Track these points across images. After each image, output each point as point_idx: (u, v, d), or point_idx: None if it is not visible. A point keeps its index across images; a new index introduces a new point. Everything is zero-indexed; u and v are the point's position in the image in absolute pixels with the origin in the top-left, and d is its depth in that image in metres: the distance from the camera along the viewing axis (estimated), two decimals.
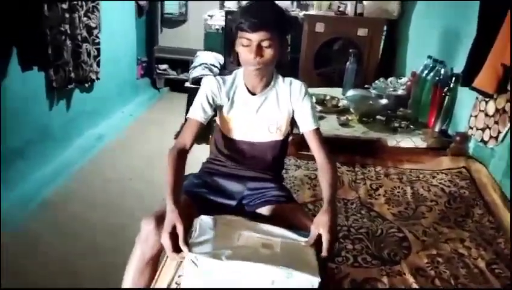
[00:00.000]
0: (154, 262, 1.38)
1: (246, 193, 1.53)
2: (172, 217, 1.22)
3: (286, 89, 1.48)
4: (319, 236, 1.23)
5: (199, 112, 1.45)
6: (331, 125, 2.52)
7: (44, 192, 2.70)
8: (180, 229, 1.19)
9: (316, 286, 1.12)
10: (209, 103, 1.46)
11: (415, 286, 1.36)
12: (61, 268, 2.06)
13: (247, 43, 1.34)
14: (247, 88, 1.48)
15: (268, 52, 1.34)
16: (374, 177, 2.15)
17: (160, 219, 1.28)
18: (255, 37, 1.31)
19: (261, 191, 1.52)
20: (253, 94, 1.47)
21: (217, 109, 1.50)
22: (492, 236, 1.69)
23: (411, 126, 2.57)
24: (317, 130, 1.48)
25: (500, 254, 1.57)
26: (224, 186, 1.54)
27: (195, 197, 1.46)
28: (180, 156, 1.40)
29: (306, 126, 1.48)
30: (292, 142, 2.44)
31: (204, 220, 1.28)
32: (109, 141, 3.59)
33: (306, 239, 1.25)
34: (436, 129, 2.54)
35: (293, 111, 1.49)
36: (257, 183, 1.55)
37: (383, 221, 1.78)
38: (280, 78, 1.50)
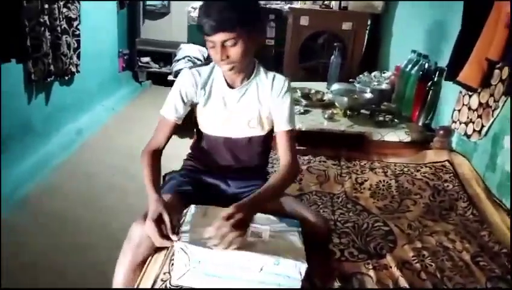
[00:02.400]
0: (145, 260, 1.35)
1: (231, 192, 1.50)
2: (156, 205, 1.21)
3: (268, 83, 1.40)
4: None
5: (171, 112, 1.40)
6: (316, 120, 2.52)
7: (25, 187, 2.63)
8: (166, 217, 1.19)
9: (303, 271, 1.15)
10: (182, 100, 1.39)
11: (401, 279, 1.36)
12: (43, 264, 2.00)
13: (211, 44, 1.27)
14: (226, 81, 1.41)
15: (235, 51, 1.26)
16: (359, 171, 2.16)
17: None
18: (216, 38, 1.23)
19: (245, 193, 1.44)
20: (232, 87, 1.40)
21: (192, 105, 1.43)
22: (476, 229, 1.71)
23: (395, 120, 2.58)
24: (290, 132, 1.41)
25: (485, 247, 1.58)
26: (208, 184, 1.51)
27: (182, 195, 1.43)
28: (154, 156, 1.39)
29: (279, 126, 1.41)
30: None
31: (194, 210, 1.31)
32: (90, 135, 3.52)
33: (296, 228, 1.29)
34: (420, 123, 2.56)
35: (271, 107, 1.42)
36: (241, 183, 1.51)
37: (368, 215, 1.77)
38: (262, 71, 1.43)
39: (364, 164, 2.22)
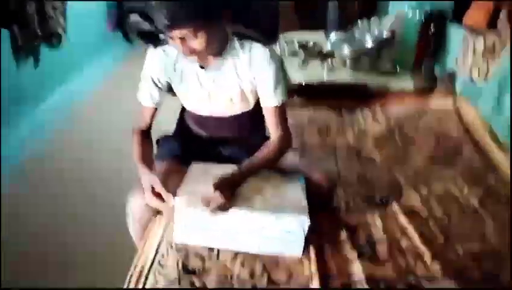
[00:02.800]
0: None
1: (228, 154, 1.44)
2: (147, 178, 1.18)
3: (245, 57, 1.24)
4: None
5: (147, 99, 1.32)
6: (315, 72, 2.44)
7: (21, 156, 2.58)
8: (158, 184, 1.16)
9: (305, 227, 1.13)
10: (155, 85, 1.30)
11: (409, 227, 1.34)
12: (43, 232, 1.99)
13: (170, 37, 1.13)
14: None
15: (197, 43, 1.11)
16: (362, 121, 2.11)
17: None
18: (174, 34, 1.10)
19: (244, 156, 1.34)
20: (203, 67, 1.27)
21: (168, 84, 1.33)
22: (483, 173, 1.68)
23: (397, 68, 2.50)
24: (279, 108, 1.27)
25: (492, 191, 1.56)
26: (204, 146, 1.44)
27: (177, 158, 1.39)
28: (143, 134, 1.35)
29: (264, 101, 1.28)
30: None
31: (194, 167, 1.30)
32: (83, 98, 3.43)
33: (300, 183, 1.26)
34: (423, 70, 2.49)
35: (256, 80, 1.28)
36: (238, 148, 1.43)
37: (372, 164, 1.74)
38: (237, 44, 1.25)
39: (367, 114, 2.18)
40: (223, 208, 1.13)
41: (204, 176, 1.24)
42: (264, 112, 1.30)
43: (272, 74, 1.24)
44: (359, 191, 1.55)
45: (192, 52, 1.14)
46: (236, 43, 1.26)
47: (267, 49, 1.24)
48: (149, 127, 1.38)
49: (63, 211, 2.14)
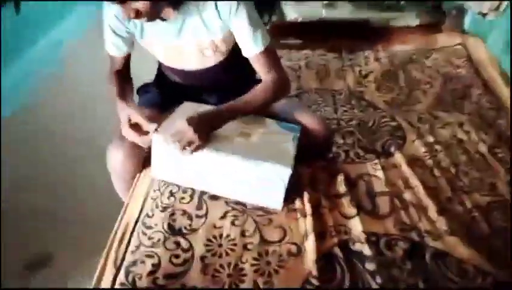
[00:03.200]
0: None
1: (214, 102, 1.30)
2: (125, 112, 1.09)
3: (210, 5, 1.08)
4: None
5: (114, 49, 1.20)
6: (313, 8, 2.25)
7: (6, 109, 2.46)
8: (135, 115, 1.07)
9: (285, 177, 1.05)
10: (118, 36, 1.17)
11: (413, 178, 1.25)
12: (33, 184, 1.92)
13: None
14: None
15: (140, 5, 0.96)
16: (363, 62, 1.97)
17: (124, 142, 1.15)
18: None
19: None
20: (164, 19, 1.11)
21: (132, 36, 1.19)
22: (493, 117, 1.56)
23: (402, 2, 2.30)
24: (263, 53, 1.11)
25: (502, 136, 1.45)
26: (187, 94, 1.31)
27: (158, 107, 1.28)
28: (119, 72, 1.23)
29: (246, 51, 1.12)
30: (271, 31, 2.20)
31: (184, 106, 1.21)
32: (69, 45, 3.24)
33: (293, 132, 1.16)
34: (430, 4, 2.29)
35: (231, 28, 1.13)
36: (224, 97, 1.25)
37: (374, 110, 1.63)
38: None
39: (369, 54, 2.03)
40: (194, 146, 1.04)
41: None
42: (251, 62, 1.14)
43: (244, 19, 1.07)
44: (359, 139, 1.44)
45: (137, 14, 0.97)
46: None
47: None
48: (126, 69, 1.27)
49: (50, 158, 2.06)
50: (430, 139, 1.45)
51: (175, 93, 1.30)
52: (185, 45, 1.15)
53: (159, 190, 1.17)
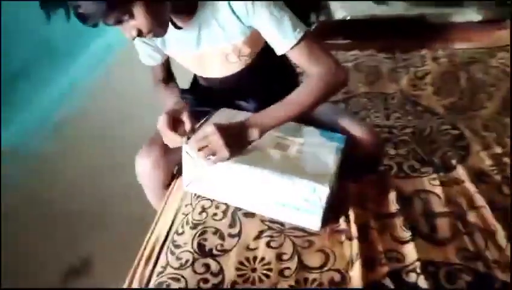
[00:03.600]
0: (168, 182, 1.21)
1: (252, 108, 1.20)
2: (175, 105, 1.05)
3: (225, 9, 0.96)
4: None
5: (147, 59, 1.16)
6: (364, 4, 2.10)
7: (55, 114, 2.50)
8: (183, 116, 1.01)
9: (323, 196, 0.93)
10: (148, 45, 1.11)
11: (477, 196, 1.08)
12: (79, 191, 1.92)
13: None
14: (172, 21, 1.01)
15: (139, 23, 0.85)
16: (419, 63, 1.81)
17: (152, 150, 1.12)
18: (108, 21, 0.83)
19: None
20: (180, 27, 1.02)
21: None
22: None
23: None
24: (299, 46, 0.95)
25: None
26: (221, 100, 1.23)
27: (196, 113, 1.19)
28: (164, 81, 1.20)
29: (278, 49, 0.97)
30: (317, 31, 2.08)
31: (220, 113, 1.13)
32: (120, 50, 3.28)
33: (338, 143, 1.04)
34: None
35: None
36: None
37: (432, 116, 1.47)
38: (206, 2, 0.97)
39: (425, 54, 1.88)
40: (220, 157, 0.94)
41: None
42: (291, 60, 1.01)
43: (266, 15, 0.93)
44: (415, 150, 1.29)
45: (139, 33, 0.87)
46: None
47: None
48: (168, 74, 1.22)
49: (97, 165, 2.06)
50: (498, 150, 1.27)
51: (211, 100, 1.21)
52: (206, 53, 1.06)
53: (190, 204, 1.09)
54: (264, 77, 1.14)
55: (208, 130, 0.92)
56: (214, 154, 0.93)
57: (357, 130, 1.08)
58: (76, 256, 1.58)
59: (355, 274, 0.90)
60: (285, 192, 0.96)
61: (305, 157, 0.99)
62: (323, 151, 1.01)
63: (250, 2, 0.92)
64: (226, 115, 1.11)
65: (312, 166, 0.97)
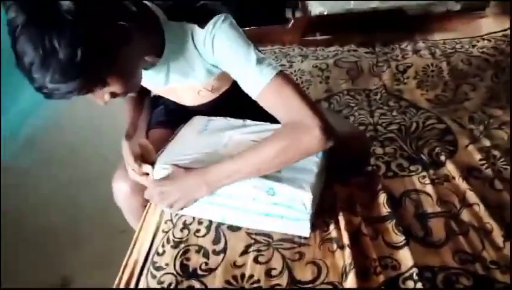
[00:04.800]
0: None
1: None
2: (124, 152, 0.98)
3: (189, 46, 0.87)
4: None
5: None
6: None
7: (27, 123, 2.40)
8: (128, 156, 0.96)
9: (307, 202, 0.87)
10: None
11: (470, 193, 1.04)
12: (56, 200, 1.83)
13: None
14: None
15: (114, 89, 0.77)
16: (400, 56, 1.77)
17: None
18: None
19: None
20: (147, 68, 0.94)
21: None
22: None
23: None
24: (269, 87, 0.81)
25: None
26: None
27: (165, 123, 1.17)
28: (134, 98, 1.14)
29: (249, 91, 0.84)
30: (294, 28, 2.03)
31: (191, 123, 1.08)
32: None
33: None
34: None
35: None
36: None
37: (417, 111, 1.43)
38: (174, 36, 0.87)
39: (406, 46, 1.84)
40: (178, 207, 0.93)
41: (197, 136, 1.03)
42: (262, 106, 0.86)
43: (226, 52, 0.83)
44: (402, 148, 1.24)
45: (114, 96, 0.80)
46: (173, 35, 0.87)
47: (211, 34, 0.82)
48: (141, 92, 1.13)
49: (73, 177, 1.97)
50: (487, 143, 1.23)
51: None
52: (175, 89, 1.01)
53: (171, 220, 1.02)
54: (241, 100, 0.99)
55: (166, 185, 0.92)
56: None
57: (341, 130, 1.03)
58: (55, 274, 1.51)
59: (350, 286, 0.84)
60: (267, 201, 0.90)
61: None
62: None
63: (207, 33, 0.83)
64: (198, 124, 1.06)
65: (292, 171, 0.90)
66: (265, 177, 0.88)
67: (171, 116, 1.17)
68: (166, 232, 1.00)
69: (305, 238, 0.94)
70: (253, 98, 0.84)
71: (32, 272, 1.51)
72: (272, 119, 0.89)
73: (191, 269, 0.91)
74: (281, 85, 0.81)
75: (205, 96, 1.04)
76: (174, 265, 0.92)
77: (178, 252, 0.94)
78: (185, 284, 0.88)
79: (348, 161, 1.05)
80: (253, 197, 0.90)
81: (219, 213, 0.97)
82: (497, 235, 0.93)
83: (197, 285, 0.87)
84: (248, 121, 1.06)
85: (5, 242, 1.60)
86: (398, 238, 0.94)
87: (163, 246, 0.97)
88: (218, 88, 1.02)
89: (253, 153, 0.85)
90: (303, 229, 0.93)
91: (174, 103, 1.13)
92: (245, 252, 0.93)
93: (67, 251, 1.57)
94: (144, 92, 1.14)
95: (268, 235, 0.96)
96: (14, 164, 2.07)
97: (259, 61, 0.82)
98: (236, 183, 0.89)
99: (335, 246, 0.93)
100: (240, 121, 1.07)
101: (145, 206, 1.10)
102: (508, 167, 1.13)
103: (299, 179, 0.88)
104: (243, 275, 0.89)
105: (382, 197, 1.05)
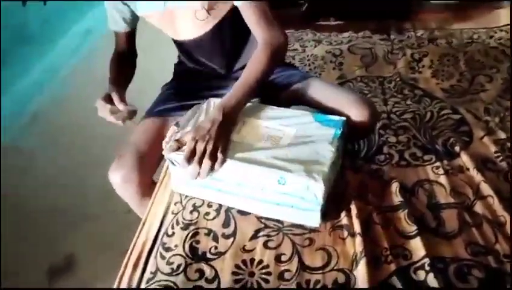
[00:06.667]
0: (147, 188, 1.11)
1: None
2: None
3: None
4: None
5: (112, 23, 1.19)
6: None
7: (32, 102, 2.39)
8: (114, 95, 1.05)
9: (318, 193, 0.85)
10: (116, 8, 1.14)
11: (484, 185, 1.02)
12: (60, 182, 1.83)
13: None
14: None
15: None
16: (416, 44, 1.73)
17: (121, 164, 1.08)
18: None
19: None
20: None
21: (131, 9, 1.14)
22: None
23: None
24: (256, 4, 1.00)
25: None
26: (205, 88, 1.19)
27: (163, 114, 1.20)
28: (119, 56, 1.23)
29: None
30: (307, 11, 1.99)
31: (204, 106, 1.04)
32: (99, 35, 3.14)
33: (334, 129, 0.95)
34: None
35: None
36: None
37: (431, 101, 1.39)
38: None
39: (422, 35, 1.79)
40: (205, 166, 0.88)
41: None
42: (242, 14, 1.02)
43: None
44: (416, 137, 1.22)
45: None
46: None
47: None
48: (129, 51, 1.25)
49: (77, 158, 1.96)
50: (502, 135, 1.21)
51: (191, 92, 1.19)
52: (175, 12, 1.06)
53: (180, 202, 1.02)
54: (235, 37, 1.14)
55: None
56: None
57: (355, 110, 1.01)
58: (59, 254, 1.52)
59: (361, 274, 0.83)
60: (279, 190, 0.88)
61: (298, 150, 0.89)
62: (317, 141, 0.92)
63: None
64: (207, 108, 1.03)
65: (305, 160, 0.87)
66: (277, 166, 0.86)
67: (180, 99, 1.18)
68: (176, 214, 1.00)
69: None
70: (239, 6, 1.00)
71: (35, 253, 1.51)
72: None
73: (200, 252, 0.90)
74: (266, 6, 1.01)
75: (203, 23, 1.07)
76: (184, 247, 0.91)
77: (188, 234, 0.94)
78: (194, 266, 0.87)
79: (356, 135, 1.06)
80: (263, 186, 0.88)
81: (228, 200, 0.96)
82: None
83: (207, 269, 0.87)
84: (262, 106, 1.04)
85: (9, 222, 1.60)
86: (410, 227, 0.93)
87: (172, 227, 0.96)
88: (218, 11, 1.06)
89: (250, 76, 0.97)
90: (313, 219, 0.91)
91: (190, 77, 1.20)
92: (255, 236, 0.93)
93: (72, 231, 1.57)
94: (129, 53, 1.24)
95: (278, 220, 0.95)
96: (19, 144, 2.07)
97: None
98: (247, 171, 0.87)
99: (346, 233, 0.92)
100: (256, 106, 1.04)
101: (140, 193, 1.09)
102: None
103: (312, 169, 0.86)
104: (252, 260, 0.88)
105: (394, 186, 1.03)
